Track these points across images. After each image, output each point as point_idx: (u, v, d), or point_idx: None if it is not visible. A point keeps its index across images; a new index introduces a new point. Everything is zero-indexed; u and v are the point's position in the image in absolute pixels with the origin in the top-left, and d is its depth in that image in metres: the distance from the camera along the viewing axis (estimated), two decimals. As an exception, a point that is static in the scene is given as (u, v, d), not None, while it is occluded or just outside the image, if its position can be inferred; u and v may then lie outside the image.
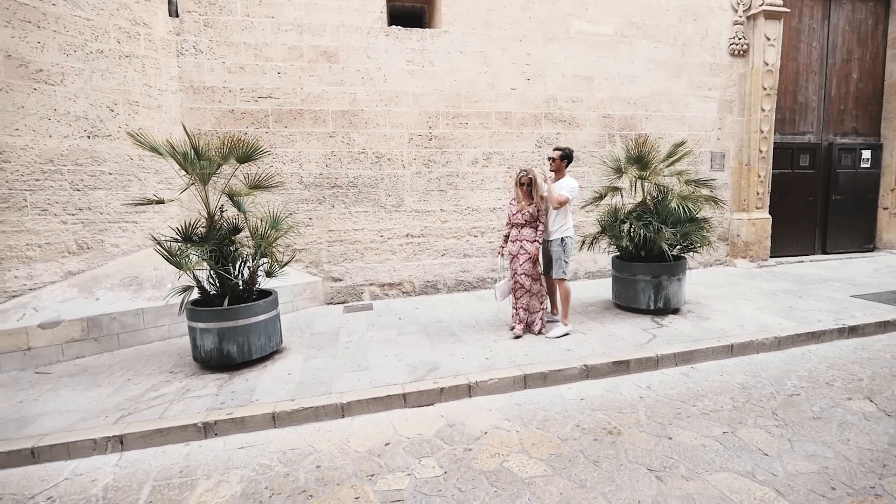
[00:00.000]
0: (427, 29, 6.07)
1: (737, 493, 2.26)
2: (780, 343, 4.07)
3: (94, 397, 3.38)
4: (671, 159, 4.98)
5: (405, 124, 6.01)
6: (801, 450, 2.60)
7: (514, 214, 4.41)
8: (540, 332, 4.38)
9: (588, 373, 3.60)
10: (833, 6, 7.80)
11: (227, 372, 3.72)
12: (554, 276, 4.40)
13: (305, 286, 5.69)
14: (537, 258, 4.35)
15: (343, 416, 3.13)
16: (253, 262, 4.04)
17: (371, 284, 6.09)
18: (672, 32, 6.84)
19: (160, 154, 3.82)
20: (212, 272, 3.89)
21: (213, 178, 4.06)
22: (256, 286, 4.11)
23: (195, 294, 3.90)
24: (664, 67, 6.86)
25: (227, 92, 5.54)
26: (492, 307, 5.43)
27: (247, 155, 4.03)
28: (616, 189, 5.11)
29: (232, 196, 4.10)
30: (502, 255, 4.57)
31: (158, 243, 3.71)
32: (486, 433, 2.89)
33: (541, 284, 4.46)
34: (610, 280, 5.33)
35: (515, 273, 4.39)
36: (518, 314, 4.42)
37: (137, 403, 3.24)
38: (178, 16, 5.35)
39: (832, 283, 6.05)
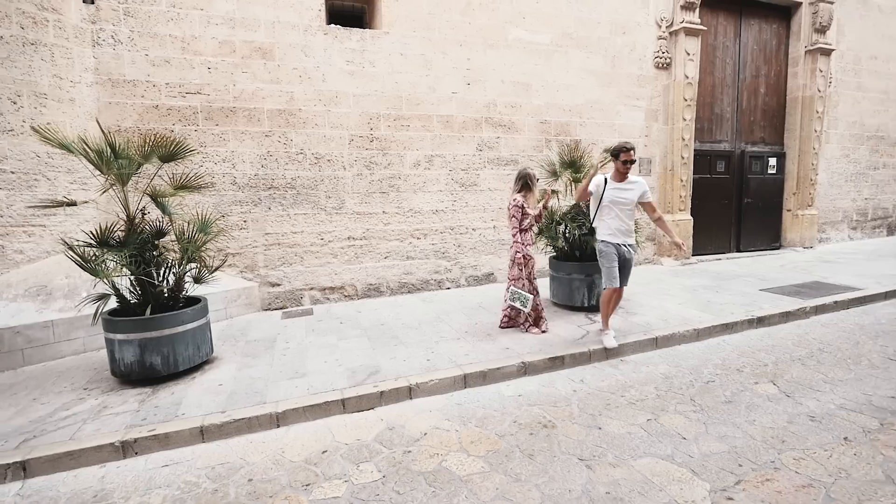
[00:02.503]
0: (367, 30, 6.01)
1: (658, 476, 2.41)
2: (699, 334, 4.41)
3: (-9, 421, 3.03)
4: (601, 164, 5.25)
5: (345, 125, 5.91)
6: (715, 432, 2.83)
7: (521, 219, 4.41)
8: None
9: (526, 369, 3.71)
10: (743, 26, 8.58)
11: (150, 386, 3.48)
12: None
13: (240, 292, 5.44)
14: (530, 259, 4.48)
15: (278, 426, 3.02)
16: (179, 267, 3.81)
17: (311, 289, 5.93)
18: (603, 44, 7.22)
19: (70, 151, 3.51)
20: (132, 279, 3.63)
21: (134, 178, 3.80)
22: (184, 293, 3.87)
23: (113, 303, 3.62)
24: (596, 77, 7.23)
25: (150, 86, 5.19)
26: (435, 308, 5.46)
27: (171, 154, 3.80)
28: (553, 192, 5.30)
29: (155, 197, 3.85)
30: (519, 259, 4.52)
31: (70, 248, 3.40)
32: (425, 434, 2.90)
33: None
34: (548, 279, 5.52)
35: (525, 278, 4.41)
36: (538, 314, 4.48)
37: (45, 425, 2.95)
38: (93, 2, 4.94)
39: (744, 278, 6.63)
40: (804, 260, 7.94)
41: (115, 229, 3.61)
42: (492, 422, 3.03)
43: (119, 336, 3.39)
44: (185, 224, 3.94)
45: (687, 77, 7.58)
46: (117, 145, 3.56)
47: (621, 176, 4.03)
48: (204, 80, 5.36)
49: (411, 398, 3.36)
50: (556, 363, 3.82)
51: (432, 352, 4.02)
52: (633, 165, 3.99)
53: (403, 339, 4.38)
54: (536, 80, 6.83)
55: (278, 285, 5.78)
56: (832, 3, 8.65)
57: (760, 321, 4.73)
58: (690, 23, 7.47)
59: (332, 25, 5.81)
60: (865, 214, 10.23)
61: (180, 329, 3.55)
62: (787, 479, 2.35)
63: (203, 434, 2.86)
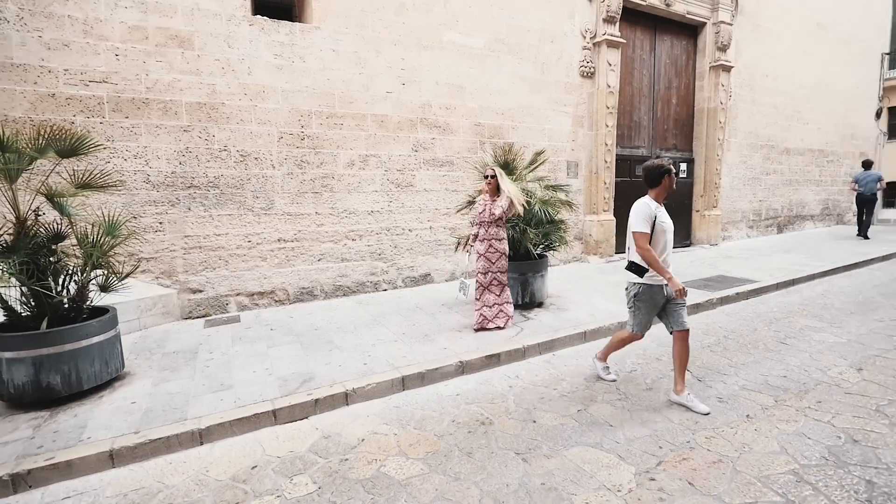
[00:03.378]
0: (297, 23, 5.78)
1: (588, 464, 2.53)
2: (623, 328, 4.68)
3: None
4: (532, 166, 5.45)
5: (274, 122, 5.64)
6: (638, 418, 3.02)
7: (480, 213, 4.62)
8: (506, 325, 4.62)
9: (463, 368, 3.75)
10: (658, 41, 9.29)
11: (47, 409, 3.09)
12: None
13: (156, 300, 5.00)
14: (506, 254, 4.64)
15: (202, 444, 2.81)
16: (83, 275, 3.42)
17: (238, 294, 5.59)
18: (533, 51, 7.49)
19: (-59, 143, 3.04)
20: (24, 289, 3.20)
21: (26, 175, 3.36)
22: (88, 303, 3.49)
23: (-1, 317, 3.18)
24: (527, 83, 7.49)
25: (45, 72, 4.62)
26: (372, 311, 5.36)
27: (72, 148, 3.41)
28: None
29: (52, 197, 3.43)
30: (470, 252, 4.81)
31: (-60, 255, 2.94)
32: (363, 440, 2.83)
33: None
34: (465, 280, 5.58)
35: (490, 271, 4.58)
36: (503, 309, 4.61)
37: None
38: (-31, -27, 4.32)
39: (661, 273, 7.16)
40: (710, 256, 8.75)
41: (1, 233, 3.17)
42: (430, 423, 3.03)
43: (7, 354, 2.97)
44: (89, 227, 3.55)
45: (609, 86, 8.07)
46: (4, 137, 3.13)
47: (662, 198, 3.28)
48: (111, 67, 4.87)
49: (348, 404, 3.27)
50: (493, 361, 3.90)
51: (369, 355, 3.94)
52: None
53: (339, 344, 4.25)
54: (470, 83, 6.94)
55: (200, 291, 5.39)
56: (731, 24, 9.63)
57: (675, 313, 5.12)
58: (612, 35, 7.96)
59: (259, 16, 5.52)
60: (760, 214, 11.49)
61: (84, 343, 3.19)
62: (701, 457, 2.56)
63: (113, 458, 2.59)
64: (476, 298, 4.64)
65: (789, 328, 4.73)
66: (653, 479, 2.38)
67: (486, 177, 4.64)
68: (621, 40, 8.10)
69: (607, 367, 3.67)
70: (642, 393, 3.38)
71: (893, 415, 2.94)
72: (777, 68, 11.22)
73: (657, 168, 3.24)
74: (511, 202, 4.53)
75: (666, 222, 3.24)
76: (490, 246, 4.65)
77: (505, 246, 4.61)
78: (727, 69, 9.73)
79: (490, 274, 4.66)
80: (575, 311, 5.09)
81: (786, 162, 11.88)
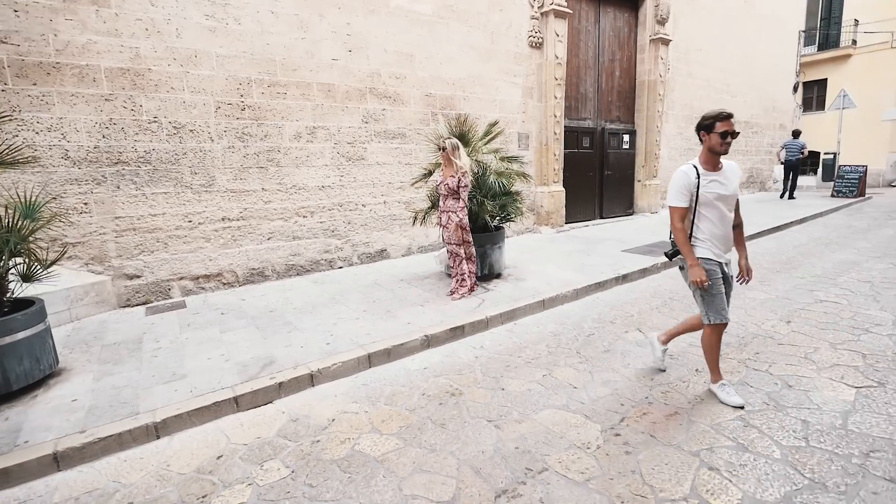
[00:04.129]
0: (229, -20, 5.28)
1: (557, 425, 2.63)
2: (578, 294, 4.88)
3: None
4: (487, 138, 5.43)
5: (209, 90, 5.20)
6: (599, 378, 3.17)
7: (437, 185, 4.71)
8: (471, 291, 4.78)
9: (429, 342, 3.75)
10: (602, 13, 9.41)
11: (-30, 413, 2.77)
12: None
13: (87, 288, 4.57)
14: (464, 226, 4.67)
15: (158, 437, 2.63)
16: (0, 264, 3.04)
17: (181, 278, 5.22)
18: (483, 19, 7.35)
19: None
20: (-74, 282, 2.80)
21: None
22: (8, 295, 3.11)
23: None
24: (477, 52, 7.36)
25: (-75, 29, 3.95)
26: (329, 289, 5.21)
27: (-29, 119, 2.96)
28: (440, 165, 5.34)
29: (-49, 175, 2.98)
30: (440, 225, 4.87)
31: None
32: (333, 420, 2.77)
33: (471, 248, 4.82)
34: (441, 251, 5.59)
35: (448, 242, 4.70)
36: (457, 279, 4.77)
37: None
38: None
39: (609, 241, 7.50)
40: (652, 223, 9.24)
41: None
42: (401, 398, 3.01)
43: (-87, 357, 2.61)
44: (2, 210, 3.14)
45: (557, 57, 8.12)
46: None
47: (715, 160, 2.65)
48: (10, 25, 4.24)
49: (314, 385, 3.18)
50: (457, 333, 3.92)
51: (331, 335, 3.84)
52: (732, 141, 2.63)
53: (298, 325, 4.11)
54: (420, 51, 6.72)
55: (138, 277, 4.98)
56: (669, -2, 9.92)
57: (624, 278, 5.40)
58: (559, 5, 7.96)
59: (185, -28, 4.99)
60: (693, 183, 12.21)
61: (9, 340, 2.86)
62: (659, 411, 2.74)
63: (58, 461, 2.37)
64: (451, 267, 4.86)
65: (725, 287, 5.11)
66: (618, 435, 2.52)
67: (441, 149, 4.60)
68: (568, 10, 8.13)
69: (724, 385, 2.82)
70: (601, 355, 3.54)
71: (819, 360, 3.28)
72: (710, 43, 11.77)
73: (701, 120, 2.69)
74: (465, 173, 4.53)
75: (715, 191, 2.60)
76: (448, 218, 4.65)
77: (459, 217, 4.61)
78: (666, 42, 10.07)
79: (450, 245, 4.68)
80: (532, 281, 5.21)
81: (716, 133, 12.62)
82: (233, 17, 5.26)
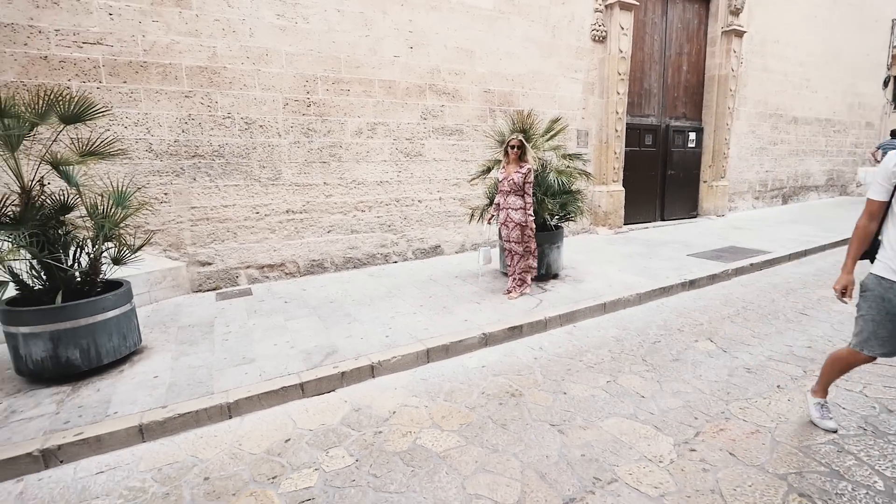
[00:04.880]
0: (299, -19, 5.46)
1: (625, 435, 2.52)
2: (641, 298, 4.67)
3: None
4: (549, 134, 5.29)
5: (279, 87, 5.40)
6: (668, 389, 3.01)
7: (500, 181, 4.56)
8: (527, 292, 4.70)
9: (486, 340, 3.71)
10: (670, 4, 8.96)
11: (68, 384, 3.02)
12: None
13: (165, 273, 4.88)
14: (525, 226, 4.50)
15: (231, 417, 2.76)
16: (94, 247, 3.29)
17: (248, 267, 5.48)
18: (544, 13, 7.19)
19: (-63, 107, 2.84)
20: (35, 262, 3.08)
21: (24, 143, 3.17)
22: (101, 277, 3.37)
23: (12, 291, 3.06)
24: (537, 47, 7.21)
25: (35, 32, 4.34)
26: (385, 283, 5.29)
27: (75, 114, 3.22)
28: (500, 162, 5.27)
29: (57, 165, 3.26)
30: (490, 222, 4.85)
31: (-54, 227, 2.79)
32: (394, 413, 2.80)
33: (532, 247, 4.67)
34: (498, 249, 5.53)
35: (507, 240, 4.61)
36: (515, 279, 4.67)
37: (-68, 439, 2.45)
38: (-53, -79, 3.98)
39: (672, 244, 7.14)
40: (718, 227, 8.71)
41: (6, 204, 3.01)
42: (460, 395, 3.00)
43: (24, 329, 2.88)
44: (98, 197, 3.40)
45: (621, 51, 7.81)
46: (2, 101, 2.94)
47: None
48: (105, 28, 4.59)
49: (374, 377, 3.23)
50: (515, 332, 3.86)
51: (390, 328, 3.89)
52: None
53: (357, 317, 4.19)
54: (480, 46, 6.67)
55: (209, 264, 5.27)
56: (745, -14, 9.28)
57: (692, 284, 5.11)
58: (625, -3, 7.64)
59: (260, -27, 5.20)
60: (766, 185, 11.42)
61: (101, 317, 3.10)
62: (738, 427, 2.55)
63: (143, 433, 2.54)
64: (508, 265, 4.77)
65: (807, 299, 4.72)
66: (693, 450, 2.37)
67: (510, 146, 4.49)
68: (634, 2, 7.78)
69: (823, 405, 2.53)
70: (669, 364, 3.36)
71: (923, 384, 2.95)
72: (789, 34, 10.93)
73: None
74: (530, 170, 4.44)
75: None
76: (508, 216, 4.57)
77: (520, 216, 4.51)
78: (739, 34, 9.44)
79: (508, 243, 4.61)
80: (592, 283, 5.04)
81: (793, 132, 11.73)
82: (302, 16, 5.43)
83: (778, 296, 4.85)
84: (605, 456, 2.35)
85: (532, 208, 4.51)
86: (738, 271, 5.58)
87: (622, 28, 7.75)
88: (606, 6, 7.76)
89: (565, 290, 4.83)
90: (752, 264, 5.74)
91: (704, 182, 9.95)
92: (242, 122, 5.27)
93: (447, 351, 3.52)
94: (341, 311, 4.37)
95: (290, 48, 5.42)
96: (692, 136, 9.62)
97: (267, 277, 5.58)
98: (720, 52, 9.46)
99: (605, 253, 6.61)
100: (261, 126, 5.37)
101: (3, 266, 2.91)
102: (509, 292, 4.66)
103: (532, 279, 4.90)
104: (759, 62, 10.45)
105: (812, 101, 11.98)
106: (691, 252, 6.50)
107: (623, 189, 8.36)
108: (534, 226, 4.58)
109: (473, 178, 5.62)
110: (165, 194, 4.99)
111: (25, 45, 4.32)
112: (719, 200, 9.88)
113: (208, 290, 5.22)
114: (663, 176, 9.37)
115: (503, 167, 4.63)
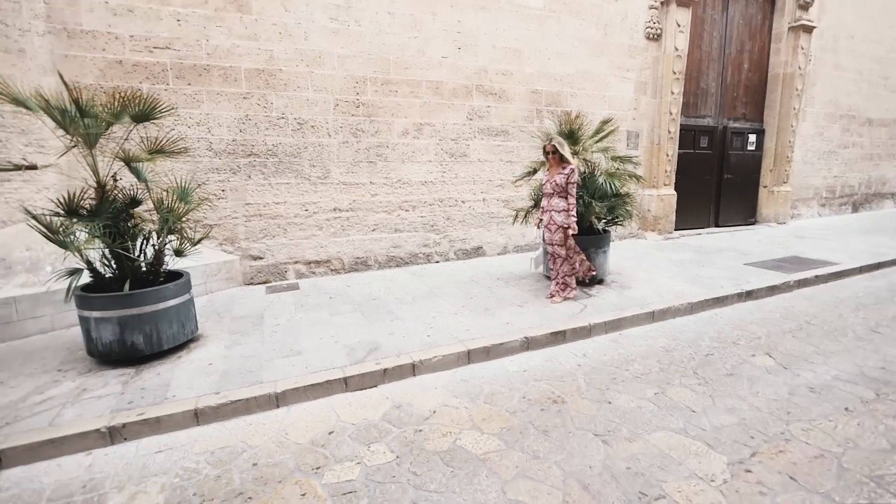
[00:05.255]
0: (352, -16, 5.59)
1: (675, 450, 2.41)
2: (693, 308, 4.46)
3: (-47, 407, 2.75)
4: (599, 136, 5.15)
5: (330, 88, 5.56)
6: (722, 404, 2.85)
7: (543, 184, 4.60)
8: (572, 297, 4.58)
9: (528, 344, 3.66)
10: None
11: (132, 366, 3.23)
12: None
13: (220, 265, 5.14)
14: (568, 228, 4.42)
15: (278, 407, 2.86)
16: (159, 238, 3.51)
17: (296, 262, 5.67)
18: (596, 11, 7.01)
19: (28, 109, 3.12)
20: (106, 252, 3.32)
21: (101, 140, 3.42)
22: (164, 267, 3.59)
23: (86, 278, 3.31)
24: (588, 46, 7.04)
25: (112, 38, 4.68)
26: (427, 283, 5.33)
27: (145, 113, 3.45)
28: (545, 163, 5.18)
29: (129, 161, 3.50)
30: (538, 225, 4.80)
31: (34, 218, 3.06)
32: (434, 412, 2.81)
33: (576, 250, 4.61)
34: (541, 252, 5.44)
35: (550, 243, 4.57)
36: (558, 282, 4.60)
37: (18, 411, 2.69)
38: (41, -62, 4.36)
39: (727, 252, 6.77)
40: (779, 235, 8.19)
41: (84, 197, 3.27)
42: (500, 398, 2.97)
43: (96, 314, 3.11)
44: (164, 193, 3.62)
45: (677, 49, 7.49)
46: (83, 103, 3.18)
47: None
48: (173, 33, 4.88)
49: (415, 375, 3.26)
50: (558, 338, 3.78)
51: (431, 327, 3.91)
52: None
53: (399, 315, 4.24)
54: (528, 46, 6.59)
55: (261, 258, 5.50)
56: (817, -22, 8.68)
57: (749, 295, 4.82)
58: (683, -7, 7.33)
59: (315, -22, 5.37)
60: (834, 192, 10.63)
61: (163, 305, 3.30)
62: (800, 451, 2.38)
63: (198, 417, 2.68)
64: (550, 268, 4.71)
65: (880, 315, 4.35)
66: (748, 471, 2.24)
67: (547, 153, 4.44)
68: (693, -2, 7.45)
69: None
70: (723, 378, 3.19)
71: None
72: (865, 29, 10.12)
73: None
74: (573, 169, 4.34)
75: None
76: (551, 218, 4.50)
77: (563, 218, 4.42)
78: (808, 30, 8.83)
79: (551, 246, 4.53)
80: (639, 290, 4.86)
81: (867, 134, 10.86)
82: (354, 19, 5.56)
83: (846, 311, 4.50)
84: (652, 471, 2.25)
85: (575, 210, 4.40)
86: (801, 283, 5.22)
87: (678, 25, 7.44)
88: (662, 3, 7.48)
89: (611, 296, 4.68)
90: (817, 276, 5.36)
91: (764, 187, 9.38)
92: (295, 123, 5.46)
93: (488, 353, 3.50)
94: (384, 308, 4.44)
95: (342, 50, 5.56)
96: (752, 138, 9.09)
97: (313, 273, 5.76)
98: (786, 49, 8.89)
99: (653, 259, 6.36)
100: (312, 126, 5.54)
101: (81, 255, 3.15)
102: (552, 296, 4.58)
103: (577, 283, 4.80)
104: (830, 59, 9.74)
105: (890, 102, 11.03)
106: (748, 261, 6.14)
107: (675, 193, 8.02)
108: (576, 228, 4.47)
109: (518, 180, 5.56)
110: (223, 191, 5.25)
111: (104, 50, 4.67)
112: (781, 207, 9.29)
113: (259, 284, 5.45)
114: (719, 180, 8.91)
115: (547, 169, 4.57)
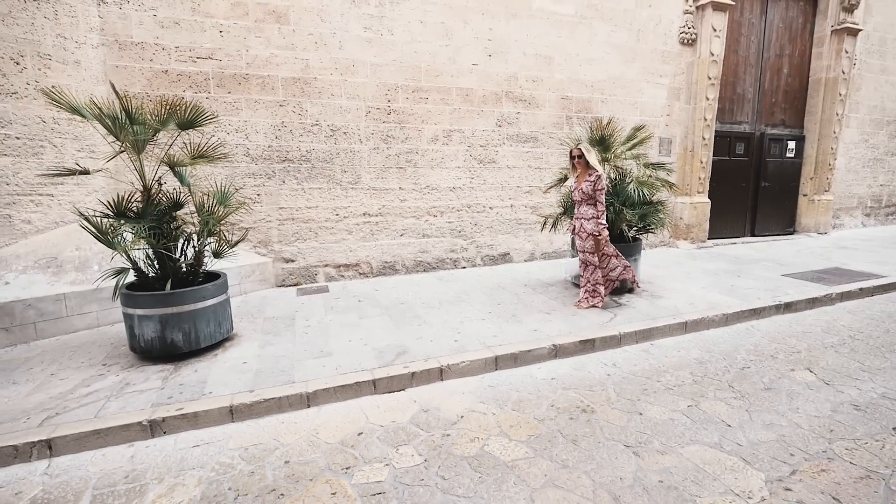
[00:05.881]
0: (385, -5, 5.72)
1: (709, 465, 2.34)
2: (728, 319, 4.33)
3: (9, 396, 2.93)
4: (631, 142, 5.09)
5: (362, 96, 5.68)
6: (759, 420, 2.76)
7: (573, 191, 4.56)
8: (600, 304, 4.52)
9: (556, 352, 3.63)
10: (770, 3, 8.27)
11: (171, 363, 3.37)
12: None
13: (254, 267, 5.30)
14: (599, 236, 4.39)
15: (309, 406, 2.93)
16: (199, 240, 3.65)
17: (326, 265, 5.79)
18: (628, 17, 6.94)
19: (83, 116, 3.31)
20: (150, 252, 3.48)
21: (147, 146, 3.60)
22: (203, 268, 3.73)
23: (131, 277, 3.48)
24: (620, 52, 6.97)
25: (159, 49, 4.92)
26: (454, 288, 5.35)
27: (190, 121, 3.60)
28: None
29: (173, 166, 3.66)
30: (571, 232, 4.79)
31: (86, 219, 3.24)
32: (462, 417, 2.82)
33: (608, 256, 4.57)
34: (563, 260, 5.40)
35: (582, 251, 4.56)
36: (587, 288, 4.58)
37: (66, 402, 2.84)
38: (97, -43, 4.64)
39: (764, 263, 6.54)
40: (820, 246, 7.85)
41: (131, 200, 3.44)
42: (528, 405, 2.95)
43: (139, 311, 3.26)
44: (205, 196, 3.77)
45: (712, 54, 7.33)
46: (132, 110, 3.36)
47: None
48: (215, 44, 5.09)
49: (442, 379, 3.27)
50: (587, 346, 3.73)
51: (458, 332, 3.92)
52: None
53: (426, 319, 4.27)
54: (559, 53, 6.57)
55: (292, 261, 5.64)
56: (863, -21, 8.35)
57: (787, 307, 4.65)
58: (719, -3, 7.17)
59: (350, -11, 5.52)
60: (880, 201, 10.13)
61: (202, 305, 3.43)
62: (844, 470, 2.28)
63: (233, 413, 2.76)
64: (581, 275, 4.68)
65: (932, 332, 4.12)
66: (788, 489, 2.15)
67: (573, 157, 4.41)
68: (730, 2, 7.28)
69: None
70: (760, 393, 3.08)
71: None
72: (916, 30, 9.64)
73: None
74: (599, 175, 4.29)
75: None
76: (581, 226, 4.46)
77: (593, 226, 4.38)
78: (853, 33, 8.49)
79: (583, 254, 4.49)
80: (671, 299, 4.75)
81: (917, 141, 10.30)
82: (387, 28, 5.67)
83: (894, 325, 4.28)
84: (686, 485, 2.20)
85: (605, 217, 4.35)
86: (844, 296, 4.99)
87: (714, 30, 7.28)
88: (698, 7, 7.33)
89: (642, 305, 4.59)
90: (861, 289, 5.11)
91: (804, 196, 9.02)
92: (328, 129, 5.60)
93: (516, 360, 3.49)
94: (411, 312, 4.49)
95: (375, 59, 5.68)
96: (791, 144, 8.78)
97: (342, 276, 5.86)
98: (828, 53, 8.57)
99: (686, 268, 6.21)
100: (344, 133, 5.67)
101: (128, 255, 3.31)
102: (579, 302, 4.53)
103: (617, 290, 4.77)
104: (876, 63, 9.33)
105: (943, 107, 10.44)
106: (787, 272, 5.92)
107: (708, 201, 7.81)
108: (607, 234, 4.41)
109: (549, 188, 5.53)
110: (258, 195, 5.42)
111: (151, 60, 4.91)
112: (822, 216, 8.91)
113: (290, 286, 5.59)
114: (756, 188, 8.63)
115: (576, 177, 4.53)
